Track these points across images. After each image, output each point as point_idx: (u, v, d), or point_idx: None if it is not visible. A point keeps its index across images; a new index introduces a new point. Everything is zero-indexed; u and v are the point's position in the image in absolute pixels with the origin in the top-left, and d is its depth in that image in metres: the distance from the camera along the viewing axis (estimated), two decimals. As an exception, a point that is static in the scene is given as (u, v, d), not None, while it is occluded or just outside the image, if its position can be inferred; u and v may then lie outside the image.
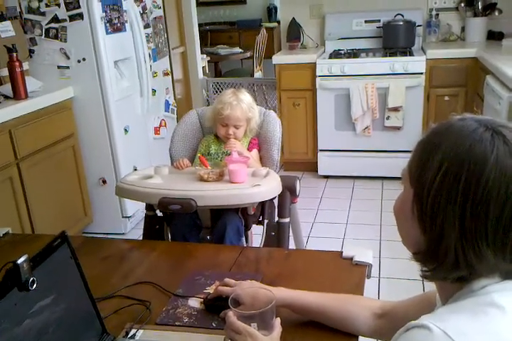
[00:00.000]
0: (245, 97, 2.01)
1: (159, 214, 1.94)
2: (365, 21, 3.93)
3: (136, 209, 3.10)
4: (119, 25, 2.93)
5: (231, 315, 0.95)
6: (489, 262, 0.69)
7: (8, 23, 2.70)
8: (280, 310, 1.02)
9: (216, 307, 1.10)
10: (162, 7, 3.51)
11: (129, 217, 3.09)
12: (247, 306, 1.01)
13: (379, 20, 3.86)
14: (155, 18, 3.38)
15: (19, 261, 0.80)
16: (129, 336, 1.03)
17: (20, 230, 2.43)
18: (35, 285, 0.83)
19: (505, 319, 0.66)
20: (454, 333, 0.64)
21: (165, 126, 3.48)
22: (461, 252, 0.69)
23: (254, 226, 1.95)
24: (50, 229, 2.57)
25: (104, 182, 2.98)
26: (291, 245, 2.09)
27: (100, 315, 1.02)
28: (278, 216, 1.95)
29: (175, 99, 3.77)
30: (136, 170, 3.01)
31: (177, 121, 3.55)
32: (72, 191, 2.88)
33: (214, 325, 1.06)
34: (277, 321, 0.97)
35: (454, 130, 0.71)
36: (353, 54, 3.70)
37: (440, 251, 0.70)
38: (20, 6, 2.78)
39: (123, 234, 3.07)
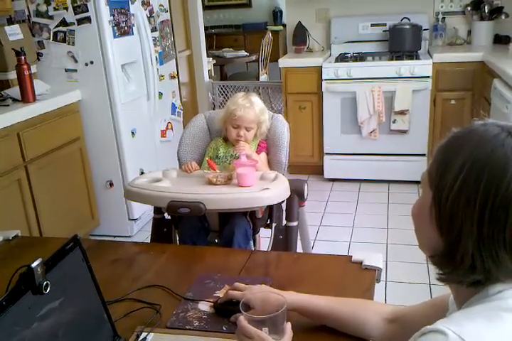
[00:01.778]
0: (257, 101, 2.04)
1: (167, 217, 1.95)
2: (372, 25, 3.93)
3: (142, 211, 3.11)
4: (126, 28, 2.95)
5: (242, 319, 0.95)
6: (506, 267, 0.68)
7: (16, 26, 2.72)
8: (291, 314, 1.02)
9: (226, 311, 1.10)
10: (169, 11, 3.52)
11: (135, 220, 3.09)
12: (258, 310, 1.01)
13: (385, 24, 3.87)
14: (162, 21, 3.40)
15: (33, 265, 0.81)
16: (139, 339, 1.03)
17: (27, 232, 2.44)
18: (48, 289, 0.83)
19: None
20: (470, 338, 0.64)
21: (171, 129, 3.49)
22: (478, 256, 0.68)
23: (262, 229, 1.95)
24: (57, 232, 2.58)
25: (111, 184, 2.99)
26: (299, 249, 2.09)
27: (111, 318, 1.02)
28: (286, 219, 1.94)
29: (181, 102, 3.78)
30: (143, 172, 3.02)
31: (183, 124, 3.57)
32: (79, 194, 2.89)
33: (224, 328, 1.06)
34: (288, 326, 0.96)
35: (476, 135, 0.71)
36: (359, 57, 3.70)
37: (457, 255, 0.70)
38: (28, 9, 2.80)
39: (129, 236, 3.07)
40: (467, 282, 0.72)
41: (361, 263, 1.27)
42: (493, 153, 0.67)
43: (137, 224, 3.13)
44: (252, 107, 1.98)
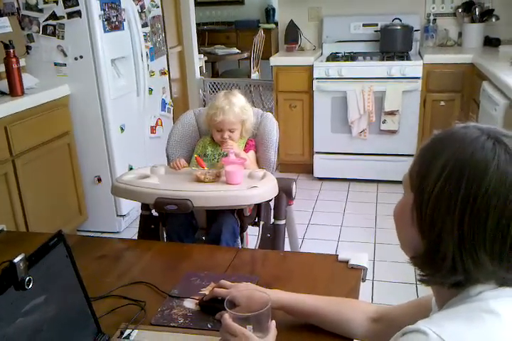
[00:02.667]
0: (237, 100, 1.98)
1: (155, 214, 1.94)
2: (363, 25, 3.94)
3: (130, 207, 3.09)
4: (117, 23, 2.92)
5: (227, 317, 0.95)
6: (486, 269, 0.69)
7: (5, 19, 2.69)
8: (275, 312, 1.02)
9: (211, 308, 1.10)
10: (160, 6, 3.50)
11: (123, 216, 3.08)
12: (243, 308, 1.00)
13: (377, 24, 3.88)
14: (153, 17, 3.38)
15: (16, 260, 0.80)
16: (123, 336, 1.03)
17: (14, 227, 2.41)
18: (31, 284, 0.82)
19: (501, 325, 0.66)
20: (450, 338, 0.64)
21: (161, 125, 3.47)
22: (459, 258, 0.69)
23: (249, 227, 1.96)
24: (44, 227, 2.56)
25: (99, 180, 2.97)
26: (286, 247, 2.09)
27: (95, 315, 1.02)
28: (274, 218, 1.95)
29: (171, 98, 3.76)
30: (131, 168, 3.01)
31: (173, 121, 3.56)
32: (67, 189, 2.87)
33: (209, 326, 1.06)
34: (273, 324, 0.96)
35: (457, 137, 0.72)
36: (351, 57, 3.71)
37: (438, 256, 0.71)
38: (18, 2, 2.77)
39: (117, 232, 3.06)
40: (448, 283, 0.72)
41: (347, 262, 1.28)
42: (473, 156, 0.68)
43: (125, 221, 3.12)
44: (231, 109, 1.93)
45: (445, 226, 0.69)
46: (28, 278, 0.81)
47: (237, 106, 1.96)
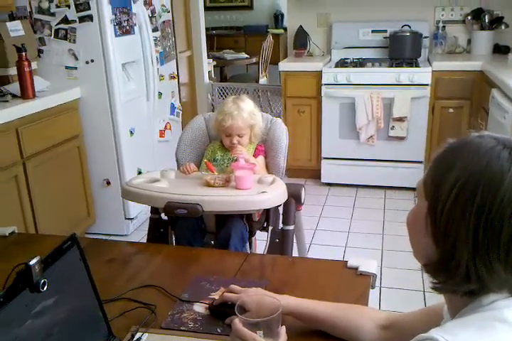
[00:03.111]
0: (246, 105, 1.99)
1: (164, 217, 1.95)
2: (372, 31, 3.95)
3: (139, 211, 3.11)
4: (128, 28, 2.95)
5: (237, 322, 0.95)
6: (500, 277, 0.69)
7: (17, 22, 2.72)
8: (285, 318, 1.02)
9: (221, 313, 1.10)
10: (171, 11, 3.53)
11: (131, 219, 3.09)
12: (253, 313, 1.01)
13: (386, 31, 3.88)
14: (163, 21, 3.40)
15: (31, 263, 0.81)
16: (134, 339, 1.03)
17: (24, 229, 2.43)
18: (45, 287, 0.83)
19: None
20: None
21: (170, 129, 3.49)
22: (473, 266, 0.69)
23: (258, 232, 1.96)
24: (53, 229, 2.57)
25: (108, 183, 2.99)
26: (294, 252, 2.09)
27: (107, 318, 1.02)
28: (283, 223, 1.95)
29: (180, 102, 3.78)
30: (140, 172, 3.02)
31: (182, 125, 3.58)
32: (76, 191, 2.88)
33: (219, 330, 1.07)
34: (283, 329, 0.96)
35: (472, 146, 0.72)
36: (359, 63, 3.72)
37: (451, 264, 0.71)
38: (30, 5, 2.80)
39: (125, 235, 3.07)
40: (461, 291, 0.72)
41: (356, 268, 1.28)
42: (489, 166, 0.68)
43: (133, 224, 3.13)
44: (239, 114, 1.94)
45: (459, 235, 0.69)
46: (43, 281, 0.82)
47: (246, 112, 1.96)
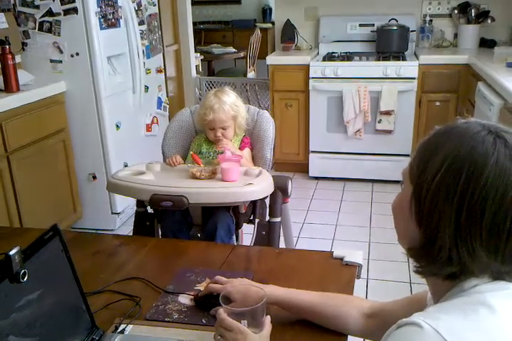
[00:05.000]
0: (227, 98, 1.97)
1: (150, 210, 1.94)
2: (360, 25, 3.95)
3: (125, 205, 3.09)
4: (113, 20, 2.92)
5: (222, 312, 0.95)
6: (482, 261, 0.70)
7: (1, 15, 2.68)
8: (270, 307, 1.03)
9: (207, 304, 1.10)
10: (157, 4, 3.50)
11: (118, 214, 3.07)
12: (238, 303, 1.01)
13: (373, 25, 3.89)
14: (150, 15, 3.37)
15: (11, 253, 0.80)
16: (118, 331, 1.03)
17: (8, 224, 2.40)
18: (26, 278, 0.82)
19: (495, 318, 0.67)
20: (445, 331, 0.64)
21: (157, 123, 3.47)
22: (455, 249, 0.70)
23: (244, 225, 1.96)
24: (38, 224, 2.55)
25: (94, 177, 2.97)
26: (281, 245, 2.09)
27: (90, 310, 1.01)
28: (269, 215, 1.94)
29: (167, 96, 3.75)
30: (126, 166, 3.00)
31: (169, 119, 3.55)
32: (61, 186, 2.85)
33: (204, 321, 1.06)
34: (267, 319, 0.97)
35: (458, 131, 0.73)
36: (347, 57, 3.72)
37: (434, 247, 0.71)
38: (14, -2, 2.76)
39: (112, 230, 3.05)
40: (443, 274, 0.73)
41: (342, 259, 1.28)
42: (473, 150, 0.69)
43: (120, 218, 3.11)
44: (221, 107, 1.93)
45: (443, 217, 0.70)
46: (23, 271, 0.81)
47: (227, 104, 1.96)
